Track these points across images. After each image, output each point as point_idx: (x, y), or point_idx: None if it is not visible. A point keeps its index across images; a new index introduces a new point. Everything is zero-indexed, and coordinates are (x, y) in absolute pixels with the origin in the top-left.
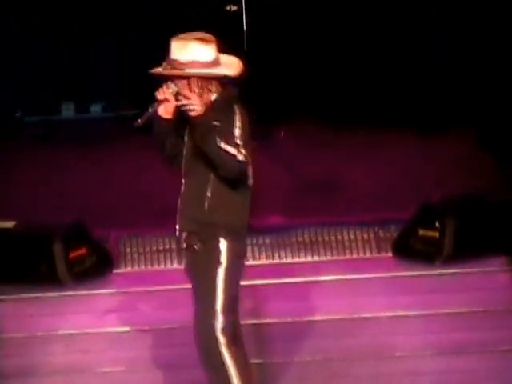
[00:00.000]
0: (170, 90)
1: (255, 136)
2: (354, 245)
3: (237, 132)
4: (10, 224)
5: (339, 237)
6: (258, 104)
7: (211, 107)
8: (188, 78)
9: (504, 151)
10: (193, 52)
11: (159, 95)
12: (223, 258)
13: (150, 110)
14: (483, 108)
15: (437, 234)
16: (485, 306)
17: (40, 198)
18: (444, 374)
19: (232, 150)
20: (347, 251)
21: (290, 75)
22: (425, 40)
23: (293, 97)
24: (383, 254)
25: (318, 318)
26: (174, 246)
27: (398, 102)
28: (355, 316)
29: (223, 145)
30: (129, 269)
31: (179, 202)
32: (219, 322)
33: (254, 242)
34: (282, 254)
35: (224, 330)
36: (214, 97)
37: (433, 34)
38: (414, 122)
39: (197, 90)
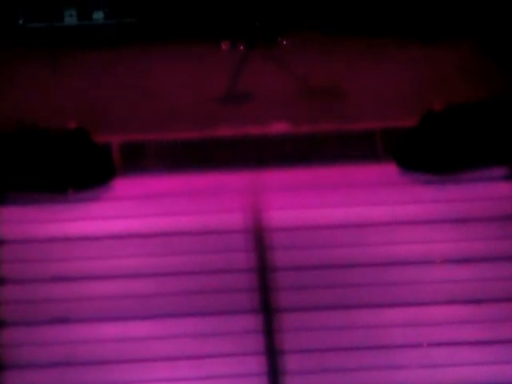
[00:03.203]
0: None
1: (258, 43)
2: (356, 153)
3: None
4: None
5: (342, 145)
6: (261, 12)
7: None
8: None
9: (506, 59)
10: None
11: None
12: None
13: None
14: (485, 16)
15: (440, 143)
16: (488, 215)
17: (42, 104)
18: (449, 283)
19: None
20: (350, 159)
21: None
22: None
23: (296, 5)
24: (386, 163)
25: (320, 225)
26: (176, 153)
27: (401, 11)
28: (358, 224)
29: None
30: (130, 175)
31: None
32: None
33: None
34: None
35: None
36: None
37: None
38: (417, 31)
39: None
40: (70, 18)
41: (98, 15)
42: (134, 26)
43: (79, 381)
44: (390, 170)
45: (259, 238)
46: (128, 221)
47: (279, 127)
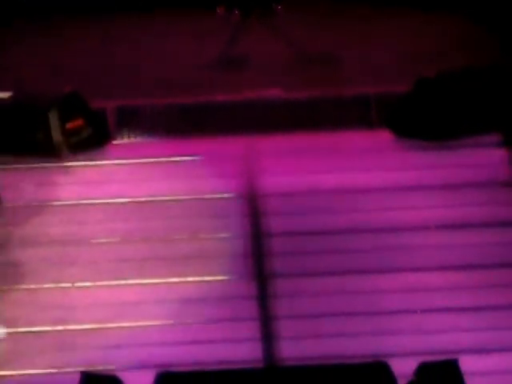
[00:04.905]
0: None
1: (254, 9)
2: (351, 118)
3: None
4: (5, 95)
5: (336, 110)
6: None
7: None
8: None
9: (499, 28)
10: None
11: None
12: None
13: None
14: None
15: (433, 109)
16: (480, 181)
17: (38, 69)
18: (443, 249)
19: None
20: (344, 125)
21: None
22: None
23: None
24: (380, 129)
25: (314, 191)
26: (170, 118)
27: None
28: (352, 190)
29: None
30: (125, 140)
31: None
32: None
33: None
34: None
35: None
36: None
37: None
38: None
39: None
40: None
41: None
42: None
43: (72, 344)
44: (383, 136)
45: (253, 204)
46: (122, 185)
47: (274, 93)
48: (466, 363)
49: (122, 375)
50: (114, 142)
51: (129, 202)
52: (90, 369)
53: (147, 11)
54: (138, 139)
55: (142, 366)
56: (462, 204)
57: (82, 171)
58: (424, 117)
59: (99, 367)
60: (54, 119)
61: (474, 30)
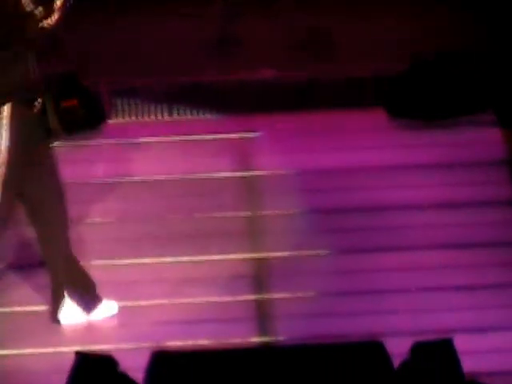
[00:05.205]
0: None
1: None
2: (346, 99)
3: None
4: None
5: (330, 91)
6: None
7: None
8: None
9: (499, 18)
10: None
11: None
12: None
13: None
14: None
15: (427, 89)
16: (476, 161)
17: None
18: (437, 228)
19: None
20: (339, 105)
21: None
22: None
23: None
24: (376, 109)
25: (310, 171)
26: (166, 99)
27: None
28: (349, 169)
29: None
30: (120, 120)
31: None
32: None
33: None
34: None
35: None
36: None
37: None
38: None
39: None
40: None
41: None
42: None
43: (67, 324)
44: (379, 115)
45: (250, 184)
46: (117, 165)
47: (270, 73)
48: (461, 342)
49: (117, 355)
50: (110, 122)
51: (124, 181)
52: (85, 349)
53: None
54: (133, 119)
55: (138, 346)
56: (458, 183)
57: (77, 151)
58: (419, 96)
59: (94, 347)
60: (48, 99)
61: (473, 20)
